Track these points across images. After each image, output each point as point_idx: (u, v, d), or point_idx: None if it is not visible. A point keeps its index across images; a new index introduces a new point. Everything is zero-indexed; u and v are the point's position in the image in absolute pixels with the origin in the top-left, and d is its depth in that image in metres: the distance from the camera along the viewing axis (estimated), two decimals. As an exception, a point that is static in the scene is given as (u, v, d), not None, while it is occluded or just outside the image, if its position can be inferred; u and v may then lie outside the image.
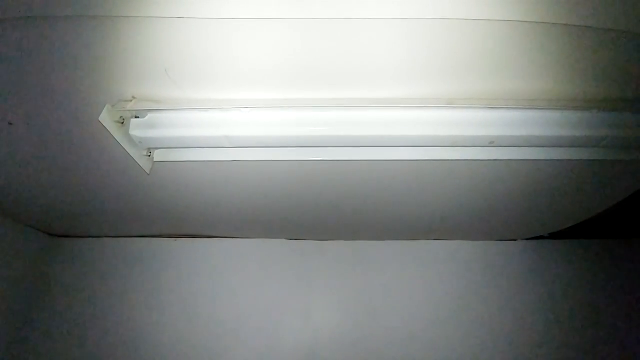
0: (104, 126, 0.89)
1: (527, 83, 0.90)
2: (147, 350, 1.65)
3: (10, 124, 0.99)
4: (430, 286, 1.79)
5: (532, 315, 1.74)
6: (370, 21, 0.77)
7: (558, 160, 1.05)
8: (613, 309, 1.76)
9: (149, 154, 1.01)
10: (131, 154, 0.96)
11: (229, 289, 1.76)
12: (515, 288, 1.79)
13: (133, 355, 1.64)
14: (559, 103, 0.89)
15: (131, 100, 0.89)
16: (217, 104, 0.90)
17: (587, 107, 0.91)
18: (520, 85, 0.90)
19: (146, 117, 0.92)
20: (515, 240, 1.86)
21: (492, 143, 0.92)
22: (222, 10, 0.75)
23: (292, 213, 1.57)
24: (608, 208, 1.47)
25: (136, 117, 0.93)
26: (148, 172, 1.02)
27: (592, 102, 0.92)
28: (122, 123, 0.92)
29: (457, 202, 1.44)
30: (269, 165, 1.17)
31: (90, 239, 1.85)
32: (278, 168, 1.20)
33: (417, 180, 1.27)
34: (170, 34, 0.79)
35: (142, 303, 1.72)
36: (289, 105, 0.88)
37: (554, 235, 1.78)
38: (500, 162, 1.09)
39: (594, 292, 1.78)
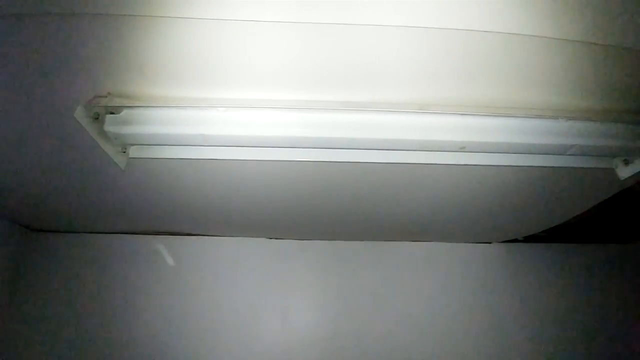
0: (79, 122, 0.89)
1: (497, 91, 0.93)
2: (124, 348, 1.64)
3: None
4: (408, 286, 1.82)
5: (506, 314, 1.79)
6: (352, 27, 0.78)
7: (528, 166, 1.08)
8: (584, 309, 1.83)
9: (124, 150, 1.01)
10: (105, 150, 0.96)
11: (207, 287, 1.76)
12: (490, 288, 1.84)
13: (111, 353, 1.62)
14: (527, 111, 0.93)
15: (106, 96, 0.89)
16: (194, 102, 0.90)
17: (554, 116, 0.95)
18: (491, 93, 0.93)
19: (121, 113, 0.92)
20: (490, 242, 1.90)
21: (462, 148, 0.95)
22: (203, 10, 0.75)
23: (272, 212, 1.57)
24: (579, 214, 1.52)
25: (111, 113, 0.92)
26: (123, 168, 1.02)
27: (559, 111, 0.96)
28: (97, 119, 0.92)
29: (434, 204, 1.47)
30: (247, 165, 1.18)
31: (70, 234, 1.83)
32: (256, 167, 1.20)
33: (394, 182, 1.30)
34: (147, 31, 0.79)
35: (120, 300, 1.71)
36: (264, 106, 0.89)
37: (527, 239, 1.83)
38: (475, 167, 1.12)
39: (565, 293, 1.86)
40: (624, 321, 1.84)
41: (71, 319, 1.67)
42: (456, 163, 1.03)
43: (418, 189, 1.34)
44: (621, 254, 1.97)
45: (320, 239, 1.88)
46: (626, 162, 1.09)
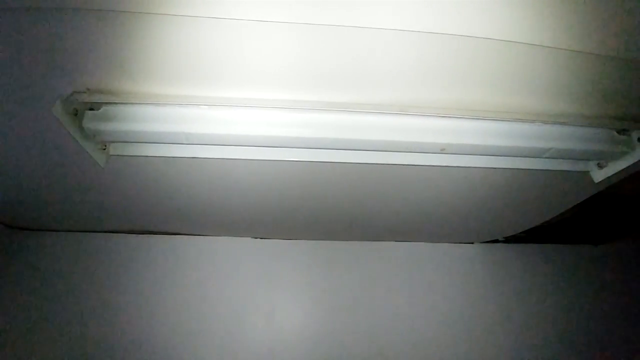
0: (57, 118, 0.88)
1: (477, 95, 0.95)
2: (105, 347, 1.61)
3: None
4: (392, 285, 1.84)
5: (487, 312, 1.84)
6: (339, 28, 0.79)
7: (506, 168, 1.11)
8: (561, 306, 1.90)
9: (104, 147, 0.99)
10: (84, 147, 0.94)
11: (192, 287, 1.74)
12: (472, 287, 1.89)
13: (92, 352, 1.59)
14: (505, 115, 0.95)
15: (85, 92, 0.87)
16: (176, 100, 0.90)
17: (532, 120, 0.97)
18: (471, 96, 0.95)
19: (101, 110, 0.90)
20: (472, 243, 1.94)
21: (443, 150, 0.97)
22: (188, 8, 0.74)
23: (257, 212, 1.57)
24: (556, 216, 1.56)
25: (91, 109, 0.91)
26: (102, 166, 1.00)
27: (536, 115, 0.98)
28: (76, 115, 0.90)
29: (417, 205, 1.49)
30: (232, 164, 1.17)
31: (51, 232, 1.78)
32: (242, 167, 1.20)
33: (379, 183, 1.31)
34: (129, 27, 0.78)
35: (102, 300, 1.68)
36: (248, 105, 0.89)
37: (508, 239, 1.88)
38: (455, 169, 1.14)
39: (543, 291, 1.92)
40: (599, 317, 1.90)
41: (51, 318, 1.63)
42: (437, 164, 1.04)
43: (402, 190, 1.36)
44: (596, 255, 2.04)
45: (305, 239, 1.88)
46: (600, 166, 1.13)
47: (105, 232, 1.78)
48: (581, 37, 0.83)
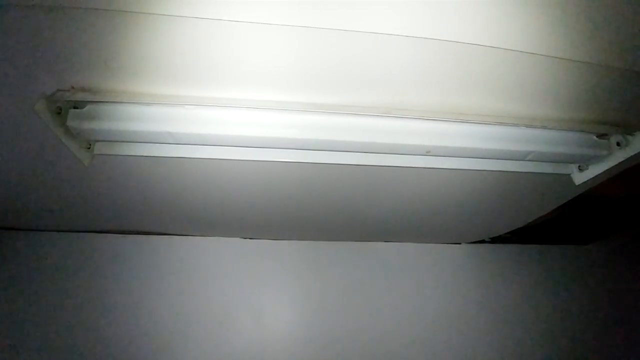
0: (40, 116, 0.86)
1: (463, 99, 0.96)
2: (92, 350, 1.59)
3: None
4: (380, 285, 1.86)
5: (472, 310, 1.87)
6: (331, 31, 0.79)
7: (491, 170, 1.13)
8: (545, 305, 1.95)
9: (89, 147, 0.98)
10: (68, 145, 0.93)
11: (179, 288, 1.73)
12: (459, 286, 1.91)
13: (74, 354, 1.57)
14: (489, 118, 0.97)
15: (69, 90, 0.86)
16: (161, 99, 0.89)
17: (515, 124, 0.99)
18: (457, 100, 0.96)
19: (85, 108, 0.89)
20: (459, 243, 1.97)
21: (428, 152, 0.98)
22: (174, 7, 0.74)
23: (246, 212, 1.57)
24: (540, 217, 1.59)
25: (75, 108, 0.90)
26: (86, 165, 0.99)
27: (519, 119, 1.00)
28: (59, 113, 0.89)
29: (405, 207, 1.51)
30: (219, 164, 1.17)
31: (37, 232, 1.75)
32: (228, 167, 1.19)
33: (367, 185, 1.32)
34: (114, 25, 0.77)
35: (85, 301, 1.66)
36: (232, 105, 0.89)
37: (494, 240, 1.91)
38: (442, 171, 1.16)
39: (528, 290, 1.97)
40: (586, 317, 1.96)
41: (38, 319, 1.60)
42: (423, 166, 1.06)
43: (390, 191, 1.37)
44: (582, 255, 2.09)
45: (294, 240, 1.89)
46: (581, 169, 1.16)
47: (92, 232, 1.76)
48: (565, 44, 0.85)
